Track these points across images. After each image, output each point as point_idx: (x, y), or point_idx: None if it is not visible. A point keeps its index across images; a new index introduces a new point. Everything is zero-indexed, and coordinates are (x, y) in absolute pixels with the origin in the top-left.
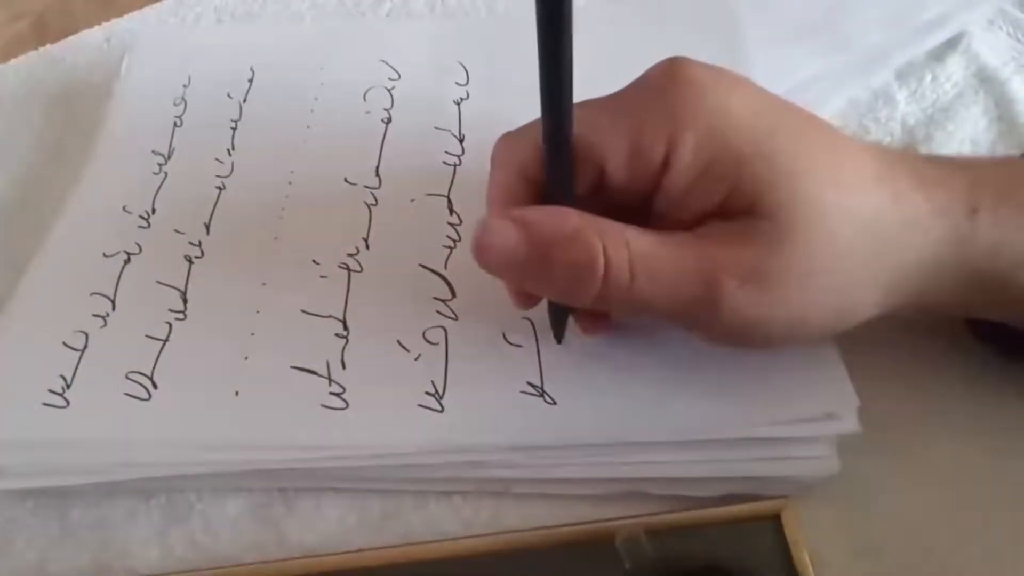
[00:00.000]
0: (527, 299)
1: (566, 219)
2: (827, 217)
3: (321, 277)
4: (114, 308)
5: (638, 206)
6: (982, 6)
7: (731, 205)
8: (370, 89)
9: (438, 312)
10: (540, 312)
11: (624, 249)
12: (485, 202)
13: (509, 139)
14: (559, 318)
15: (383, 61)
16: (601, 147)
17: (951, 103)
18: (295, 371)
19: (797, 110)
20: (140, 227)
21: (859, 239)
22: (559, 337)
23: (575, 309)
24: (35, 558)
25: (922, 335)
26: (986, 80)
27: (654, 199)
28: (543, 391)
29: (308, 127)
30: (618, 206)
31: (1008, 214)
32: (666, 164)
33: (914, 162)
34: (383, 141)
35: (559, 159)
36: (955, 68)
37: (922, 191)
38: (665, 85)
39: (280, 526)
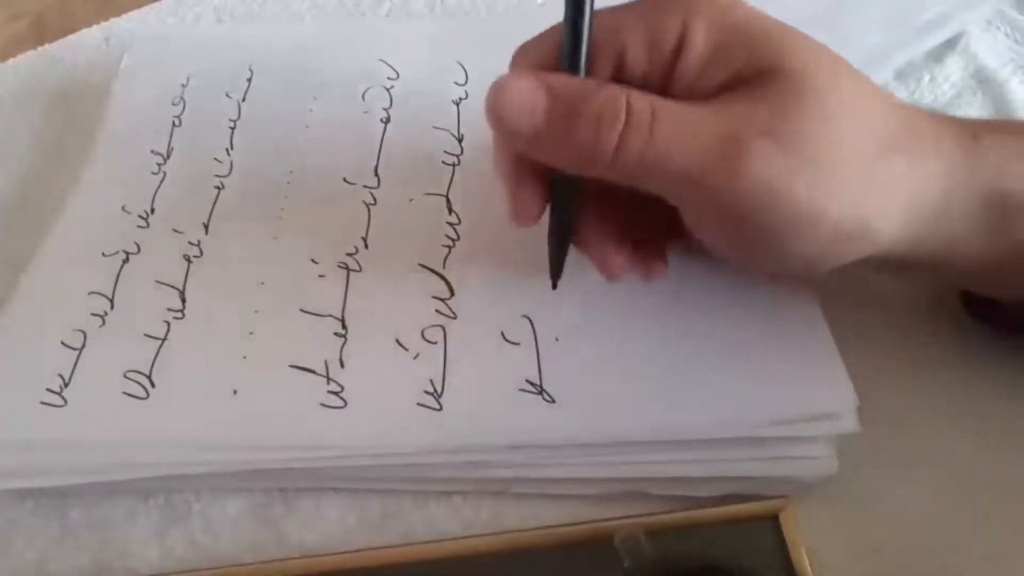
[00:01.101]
0: (526, 213)
1: (588, 81)
2: (853, 100)
3: (320, 276)
4: (113, 307)
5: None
6: (981, 7)
7: (747, 73)
8: (369, 89)
9: (437, 311)
10: (539, 310)
11: (646, 98)
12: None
13: (526, 45)
14: (560, 250)
15: (382, 61)
16: (620, 35)
17: (950, 103)
18: (294, 370)
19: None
20: (139, 227)
21: (876, 124)
22: (556, 277)
23: (579, 236)
24: (35, 558)
25: (923, 334)
26: (984, 81)
27: (670, 88)
28: (542, 389)
29: (307, 127)
30: None
31: (1009, 141)
32: (681, 41)
33: (908, 104)
34: (382, 141)
35: (577, 51)
36: (954, 69)
37: (928, 116)
38: None
39: (280, 526)
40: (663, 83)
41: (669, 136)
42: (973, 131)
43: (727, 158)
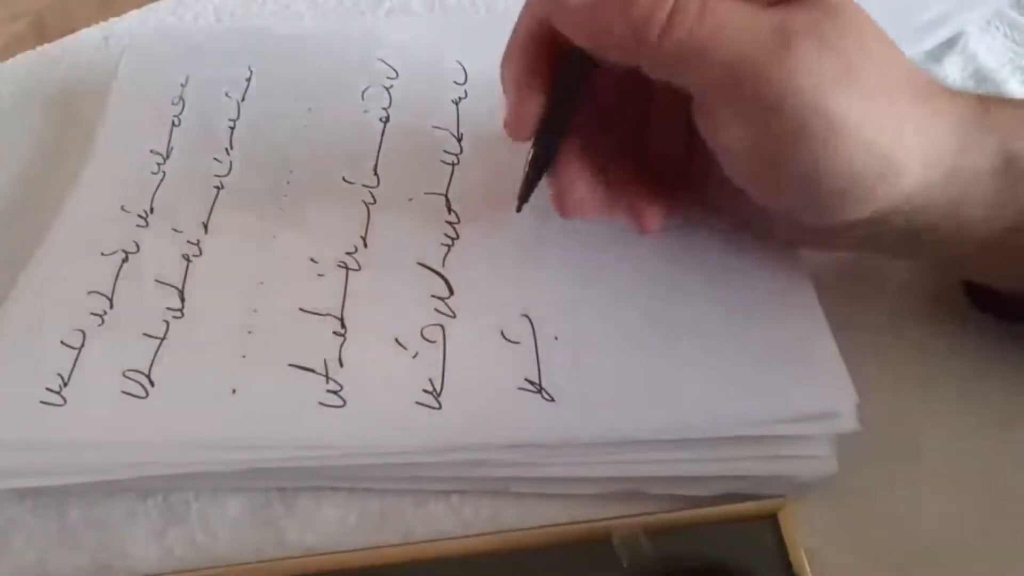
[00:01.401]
0: (522, 126)
1: None
2: (879, 34)
3: (319, 275)
4: (112, 306)
5: None
6: (980, 7)
7: None
8: (368, 88)
9: (436, 310)
10: (538, 309)
11: None
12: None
13: None
14: (537, 174)
15: (381, 60)
16: None
17: None
18: (293, 369)
19: None
20: (138, 226)
21: (900, 69)
22: (523, 200)
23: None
24: (34, 558)
25: (923, 334)
26: (983, 81)
27: None
28: (541, 388)
29: (306, 126)
30: None
31: (1013, 111)
32: None
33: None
34: (381, 140)
35: None
36: (952, 69)
37: (941, 88)
38: None
39: (279, 526)
40: None
41: (718, 21)
42: (980, 99)
43: (775, 49)
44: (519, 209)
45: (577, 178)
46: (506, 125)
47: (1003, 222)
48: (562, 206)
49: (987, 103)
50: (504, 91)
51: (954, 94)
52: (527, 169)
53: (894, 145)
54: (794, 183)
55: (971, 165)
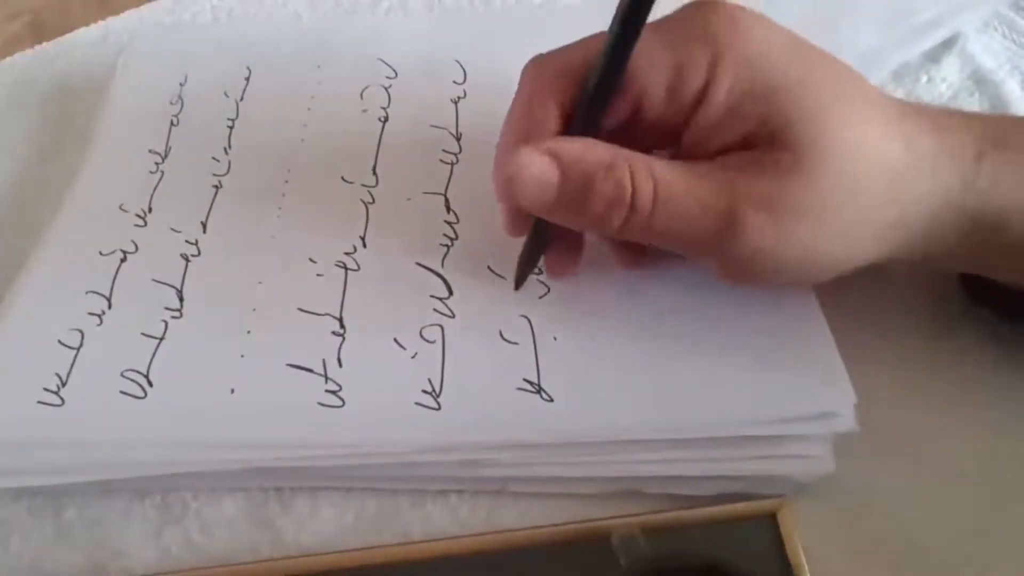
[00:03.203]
0: (521, 227)
1: (599, 151)
2: (847, 154)
3: (318, 275)
4: (110, 306)
5: (663, 141)
6: (978, 8)
7: (756, 136)
8: (367, 87)
9: (435, 310)
10: (537, 309)
11: (649, 178)
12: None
13: (542, 64)
14: (530, 264)
15: (380, 59)
16: (645, 75)
17: (946, 105)
18: (291, 369)
19: (824, 52)
20: (136, 225)
21: (874, 178)
22: (520, 282)
23: (547, 252)
24: (30, 558)
25: (922, 333)
26: (981, 82)
27: (684, 132)
28: (540, 388)
29: (305, 125)
30: (644, 140)
31: (1011, 159)
32: (704, 92)
33: (926, 108)
34: (380, 139)
35: (605, 92)
36: (950, 70)
37: (934, 134)
38: (707, 15)
39: (276, 525)
40: (678, 128)
41: (669, 214)
42: (979, 151)
43: (724, 233)
44: (516, 288)
45: (571, 248)
46: (505, 230)
47: (981, 254)
48: (558, 274)
49: (985, 152)
50: (498, 197)
51: (940, 158)
52: (525, 251)
53: (857, 244)
54: (766, 286)
55: (944, 227)
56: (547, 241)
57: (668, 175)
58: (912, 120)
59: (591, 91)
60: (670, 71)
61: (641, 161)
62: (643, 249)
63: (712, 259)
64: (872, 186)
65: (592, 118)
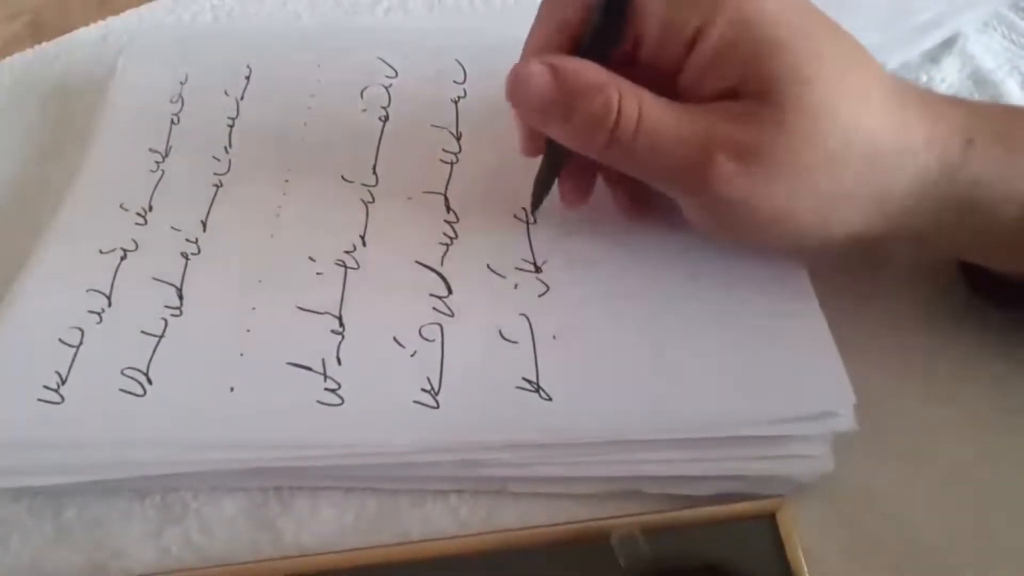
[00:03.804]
0: (534, 147)
1: (594, 72)
2: (831, 123)
3: (317, 274)
4: (110, 304)
5: (660, 85)
6: (978, 8)
7: (744, 88)
8: (367, 87)
9: (434, 309)
10: (536, 308)
11: (636, 105)
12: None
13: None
14: (544, 187)
15: (380, 59)
16: (646, 10)
17: None
18: (291, 367)
19: (838, 27)
20: (137, 224)
21: (853, 151)
22: (535, 206)
23: (561, 178)
24: (29, 558)
25: (921, 333)
26: (981, 82)
27: (676, 78)
28: (539, 387)
29: (305, 124)
30: (641, 81)
31: (1000, 152)
32: (694, 40)
33: (923, 91)
34: (380, 139)
35: (609, 23)
36: (950, 70)
37: (926, 120)
38: None
39: (276, 525)
40: (673, 71)
41: (650, 143)
42: (968, 136)
43: (696, 171)
44: (534, 216)
45: (584, 177)
46: (522, 149)
47: (973, 241)
48: (571, 202)
49: (975, 139)
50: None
51: (931, 139)
52: (539, 174)
53: (832, 215)
54: (750, 242)
55: (930, 212)
56: (560, 164)
57: (654, 107)
58: (908, 104)
59: (595, 26)
60: (668, 12)
61: (631, 89)
62: (642, 198)
63: (688, 200)
64: (851, 159)
65: (596, 51)
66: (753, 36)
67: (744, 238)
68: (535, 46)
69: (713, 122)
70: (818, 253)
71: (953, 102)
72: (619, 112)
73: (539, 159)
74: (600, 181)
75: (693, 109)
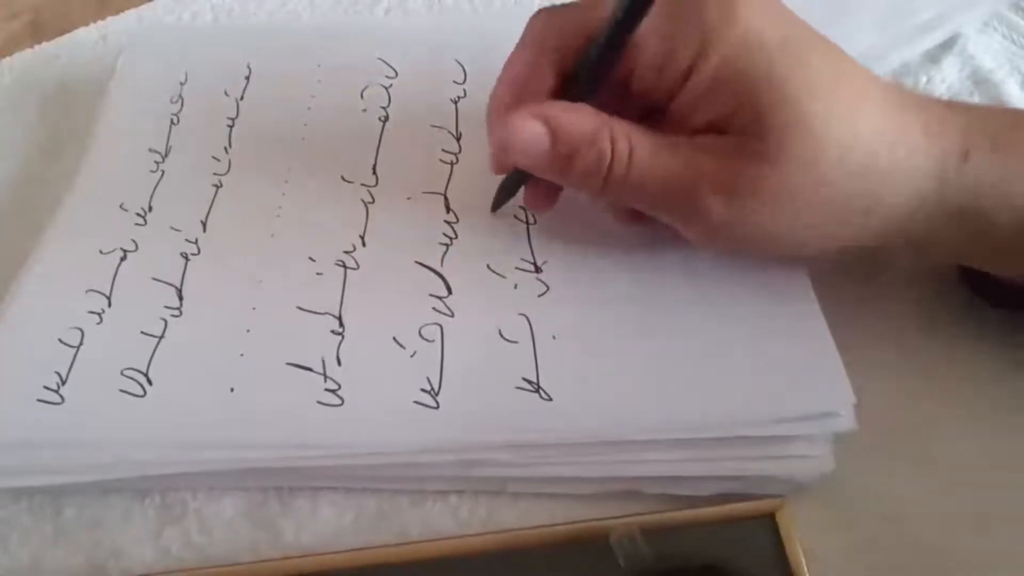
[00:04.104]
0: (504, 167)
1: (588, 120)
2: (820, 145)
3: (317, 274)
4: (110, 305)
5: (650, 114)
6: (978, 8)
7: (734, 119)
8: (367, 87)
9: (434, 309)
10: (536, 308)
11: (627, 146)
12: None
13: (550, 19)
14: (508, 194)
15: (380, 59)
16: (640, 46)
17: None
18: (291, 368)
19: (820, 38)
20: (137, 224)
21: (846, 171)
22: (496, 207)
23: (528, 184)
24: (29, 558)
25: (921, 333)
26: (981, 82)
27: (668, 107)
28: (539, 387)
29: (305, 125)
30: (632, 110)
31: (998, 159)
32: (688, 74)
33: (922, 100)
34: (380, 139)
35: (607, 56)
36: (950, 70)
37: (922, 129)
38: None
39: (276, 525)
40: (663, 102)
41: (641, 180)
42: (966, 146)
43: (685, 205)
44: (494, 211)
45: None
46: (491, 166)
47: (970, 248)
48: (535, 207)
49: (973, 152)
50: (489, 131)
51: (929, 150)
52: (505, 183)
53: (827, 231)
54: (745, 257)
55: (925, 223)
56: (528, 176)
57: (644, 144)
58: (905, 112)
59: (592, 60)
60: (663, 45)
61: (622, 129)
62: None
63: (682, 225)
64: (840, 178)
65: (589, 85)
66: (746, 71)
67: (741, 254)
68: (518, 79)
69: (701, 158)
70: (817, 259)
71: (950, 108)
72: (612, 154)
73: None
74: None
75: (681, 144)
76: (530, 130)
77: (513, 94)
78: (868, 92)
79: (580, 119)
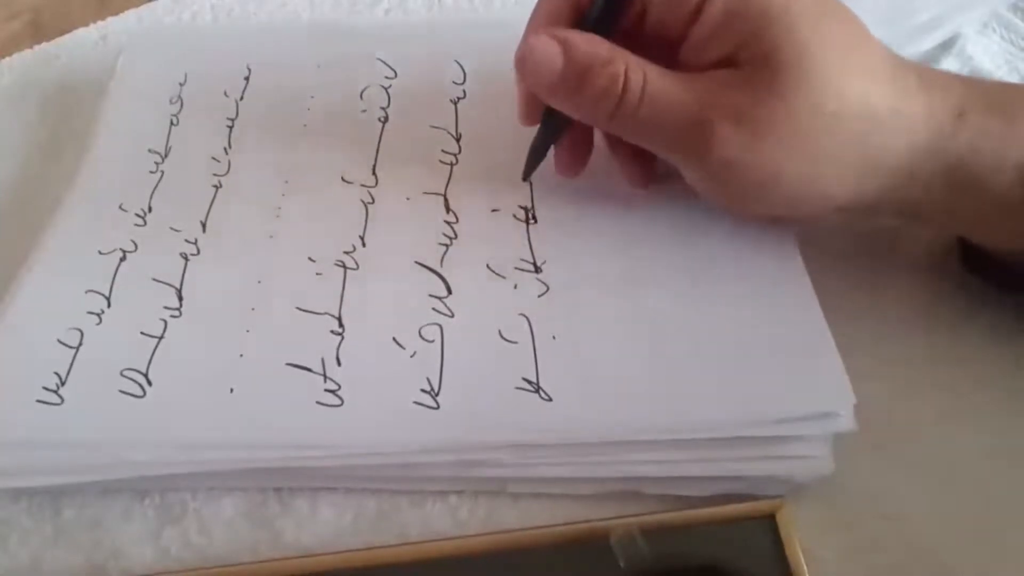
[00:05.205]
0: (532, 116)
1: (601, 46)
2: (827, 90)
3: (317, 275)
4: (109, 305)
5: (662, 55)
6: (977, 9)
7: (744, 54)
8: (367, 88)
9: (434, 309)
10: (536, 308)
11: (640, 76)
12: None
13: None
14: (539, 155)
15: (380, 60)
16: None
17: None
18: (291, 368)
19: (842, 5)
20: (136, 225)
21: (849, 115)
22: (528, 174)
23: (557, 147)
24: (28, 558)
25: (921, 334)
26: None
27: (678, 48)
28: (539, 387)
29: (305, 125)
30: (645, 52)
31: (992, 123)
32: (699, 8)
33: (919, 65)
34: (380, 139)
35: (607, 19)
36: (949, 71)
37: (921, 89)
38: None
39: (275, 526)
40: (676, 41)
41: (653, 112)
42: (961, 107)
43: (696, 135)
44: (524, 179)
45: (580, 146)
46: (521, 118)
47: (967, 212)
48: (565, 171)
49: (968, 112)
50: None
51: (928, 109)
52: (535, 141)
53: (822, 180)
54: (747, 207)
55: (922, 180)
56: (557, 133)
57: (657, 77)
58: (906, 74)
59: (593, 18)
60: None
61: (636, 61)
62: (648, 169)
63: (689, 165)
64: (847, 123)
65: (602, 23)
66: (756, 3)
67: (743, 204)
68: (542, 18)
69: (712, 88)
70: (812, 222)
71: (949, 75)
72: (625, 83)
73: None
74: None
75: (694, 77)
76: (543, 48)
77: (535, 28)
78: (871, 48)
79: (594, 42)
